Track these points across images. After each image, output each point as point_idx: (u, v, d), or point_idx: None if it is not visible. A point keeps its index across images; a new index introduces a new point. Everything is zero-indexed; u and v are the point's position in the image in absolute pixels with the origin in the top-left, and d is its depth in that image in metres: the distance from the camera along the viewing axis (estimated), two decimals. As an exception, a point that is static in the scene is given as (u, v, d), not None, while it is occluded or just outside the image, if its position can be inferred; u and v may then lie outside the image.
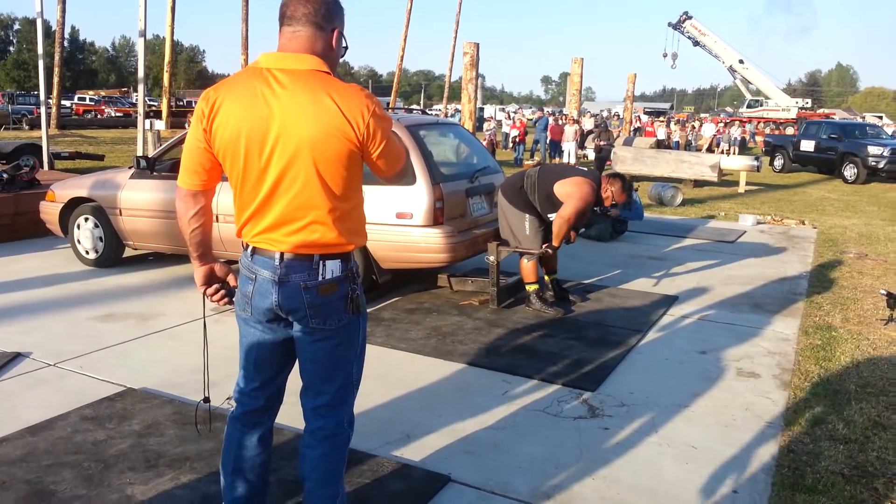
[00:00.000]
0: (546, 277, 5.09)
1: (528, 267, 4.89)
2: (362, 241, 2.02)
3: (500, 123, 25.31)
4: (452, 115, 28.96)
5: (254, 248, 1.94)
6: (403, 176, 2.09)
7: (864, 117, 41.11)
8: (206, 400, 2.28)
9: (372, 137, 1.84)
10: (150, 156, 5.79)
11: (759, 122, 38.48)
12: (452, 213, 4.92)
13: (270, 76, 1.82)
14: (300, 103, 1.79)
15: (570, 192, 4.71)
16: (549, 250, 4.81)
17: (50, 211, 6.16)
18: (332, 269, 1.92)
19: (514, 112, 38.90)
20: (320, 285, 1.90)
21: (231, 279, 2.09)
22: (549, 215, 4.84)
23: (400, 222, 4.76)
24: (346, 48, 1.97)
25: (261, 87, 1.81)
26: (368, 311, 4.82)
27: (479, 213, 5.29)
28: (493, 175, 5.64)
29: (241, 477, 2.13)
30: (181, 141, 6.06)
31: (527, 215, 4.86)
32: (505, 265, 5.27)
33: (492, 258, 4.93)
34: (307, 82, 1.81)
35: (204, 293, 2.09)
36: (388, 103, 27.59)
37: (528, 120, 32.39)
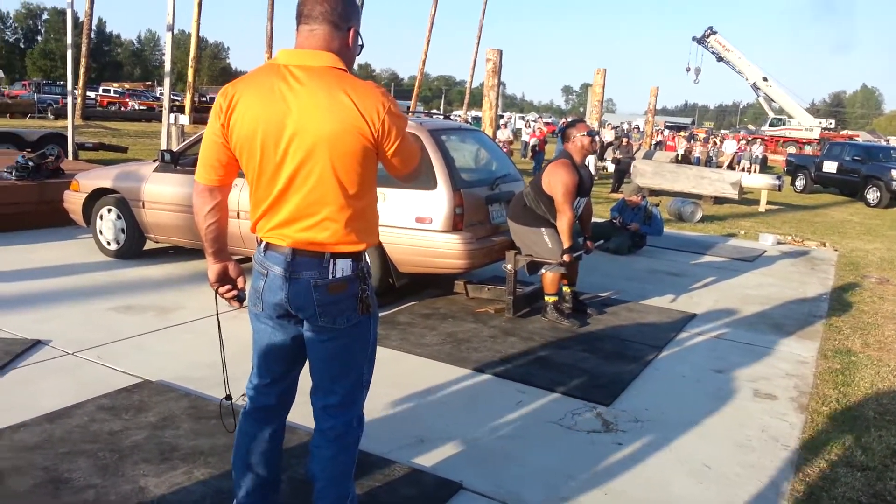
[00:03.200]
0: (565, 289, 5.07)
1: (549, 278, 4.87)
2: (374, 241, 2.02)
3: (517, 133, 25.10)
4: (469, 122, 28.90)
5: (267, 244, 1.95)
6: (418, 175, 2.10)
7: (888, 140, 40.60)
8: (228, 398, 2.29)
9: (387, 135, 1.86)
10: (174, 150, 5.85)
11: (779, 142, 38.15)
12: (472, 220, 4.92)
13: (288, 73, 1.84)
14: (317, 100, 1.80)
15: (550, 183, 4.73)
16: (567, 256, 4.75)
17: (74, 200, 6.23)
18: (343, 267, 1.92)
19: (534, 121, 38.88)
20: (330, 283, 1.91)
21: (241, 281, 2.10)
22: None
23: (419, 227, 4.76)
24: (362, 46, 1.98)
25: (278, 84, 1.83)
26: (384, 314, 4.82)
27: (499, 221, 5.28)
28: (513, 183, 5.63)
29: (252, 473, 2.14)
30: (205, 137, 6.10)
31: (542, 229, 4.83)
32: (522, 275, 5.26)
33: (509, 266, 4.92)
34: (324, 79, 1.82)
35: (216, 291, 2.10)
36: (408, 107, 27.66)
37: (556, 125, 32.28)
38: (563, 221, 4.68)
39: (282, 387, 2.13)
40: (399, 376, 3.72)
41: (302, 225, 1.88)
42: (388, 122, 1.84)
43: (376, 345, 2.12)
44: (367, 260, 2.03)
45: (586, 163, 4.98)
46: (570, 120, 4.95)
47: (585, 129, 4.83)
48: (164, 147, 8.96)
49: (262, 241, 1.97)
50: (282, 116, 1.81)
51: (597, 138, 5.10)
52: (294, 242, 1.90)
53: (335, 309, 1.93)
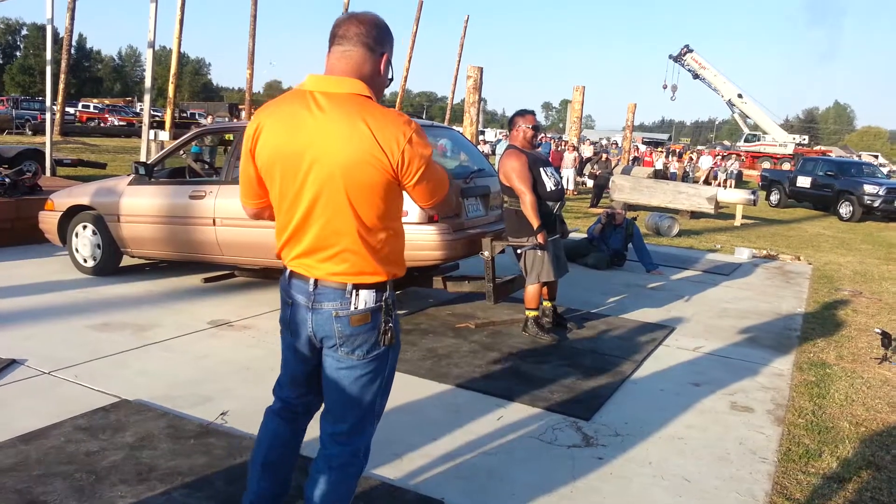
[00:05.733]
0: (545, 303, 5.09)
1: (530, 292, 4.89)
2: (399, 272, 1.97)
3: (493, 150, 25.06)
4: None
5: (291, 273, 1.95)
6: (448, 207, 2.05)
7: (860, 156, 41.43)
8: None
9: (407, 166, 1.81)
10: (148, 162, 5.84)
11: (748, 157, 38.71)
12: None
13: (312, 99, 1.83)
14: (336, 128, 1.78)
15: (504, 175, 4.78)
16: (540, 237, 4.68)
17: (49, 220, 6.17)
18: (366, 299, 1.89)
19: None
20: (352, 315, 1.88)
21: None
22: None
23: None
24: (392, 79, 1.97)
25: (300, 110, 1.82)
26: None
27: (475, 215, 5.30)
28: (488, 178, 5.66)
29: (268, 470, 2.16)
30: (178, 148, 6.13)
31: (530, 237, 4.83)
32: (501, 270, 5.28)
33: (486, 253, 4.93)
34: (344, 107, 1.80)
35: None
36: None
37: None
38: (525, 203, 4.69)
39: (305, 400, 2.17)
40: (380, 393, 3.70)
41: (322, 255, 1.88)
42: (409, 152, 1.80)
43: (393, 375, 2.08)
44: (391, 290, 1.96)
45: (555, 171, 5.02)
46: (519, 110, 5.01)
47: (532, 121, 4.91)
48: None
49: (286, 268, 1.98)
50: (301, 145, 1.80)
51: (540, 136, 5.08)
52: (316, 273, 1.89)
53: (357, 340, 1.91)
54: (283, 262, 1.98)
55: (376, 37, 1.87)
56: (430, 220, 4.76)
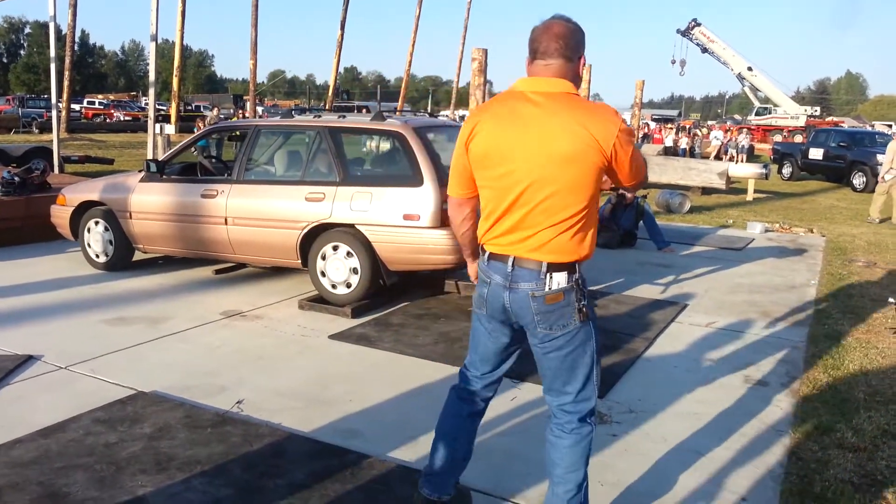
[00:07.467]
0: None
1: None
2: (588, 254, 2.11)
3: None
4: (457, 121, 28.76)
5: (490, 254, 2.13)
6: (644, 182, 2.21)
7: (873, 126, 40.88)
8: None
9: (618, 155, 1.99)
10: (160, 159, 5.85)
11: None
12: None
13: (526, 98, 2.03)
14: (552, 123, 1.97)
15: None
16: None
17: (61, 215, 6.21)
18: (559, 280, 2.04)
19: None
20: (547, 295, 2.04)
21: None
22: None
23: (407, 224, 4.77)
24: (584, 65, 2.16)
25: (519, 108, 2.02)
26: (376, 316, 4.84)
27: None
28: None
29: (448, 443, 2.37)
30: (190, 145, 6.13)
31: None
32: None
33: None
34: (559, 103, 2.00)
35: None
36: (395, 108, 27.64)
37: None
38: None
39: (487, 381, 2.36)
40: (393, 377, 3.73)
41: (521, 236, 2.04)
42: (621, 141, 1.97)
43: (599, 343, 2.22)
44: (581, 272, 2.10)
45: None
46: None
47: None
48: (150, 157, 8.93)
49: (485, 250, 2.16)
50: (519, 136, 1.99)
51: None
52: (514, 252, 2.06)
53: (552, 317, 2.06)
54: (482, 243, 2.17)
55: (573, 46, 2.06)
56: (443, 224, 4.75)
